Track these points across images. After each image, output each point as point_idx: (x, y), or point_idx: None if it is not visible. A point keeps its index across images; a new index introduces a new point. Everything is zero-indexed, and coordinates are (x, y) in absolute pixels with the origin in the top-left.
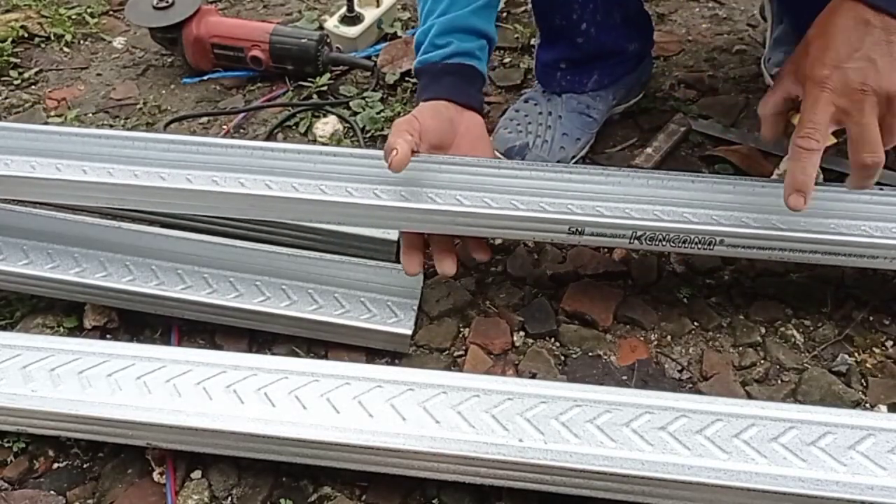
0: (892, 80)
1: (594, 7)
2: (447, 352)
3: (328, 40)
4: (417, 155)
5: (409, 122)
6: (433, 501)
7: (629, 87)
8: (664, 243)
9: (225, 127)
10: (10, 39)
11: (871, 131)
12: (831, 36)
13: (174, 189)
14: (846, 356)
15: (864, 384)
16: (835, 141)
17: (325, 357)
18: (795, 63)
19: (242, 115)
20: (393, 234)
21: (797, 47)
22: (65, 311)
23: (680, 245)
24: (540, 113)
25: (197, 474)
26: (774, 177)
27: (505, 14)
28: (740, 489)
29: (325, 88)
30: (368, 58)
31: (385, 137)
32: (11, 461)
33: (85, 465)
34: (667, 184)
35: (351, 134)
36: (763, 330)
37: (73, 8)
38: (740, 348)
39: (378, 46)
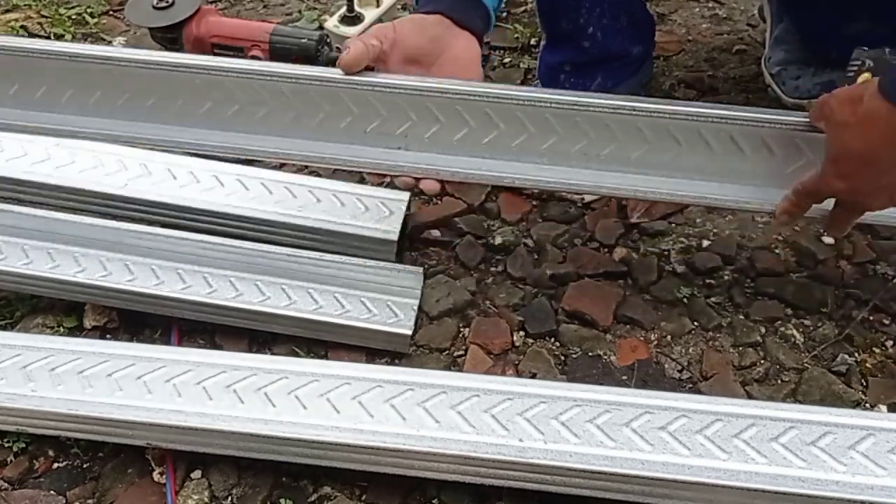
0: None
1: (601, 11)
2: (447, 352)
3: (328, 40)
4: (386, 66)
5: (384, 28)
6: (433, 501)
7: (631, 90)
8: None
9: None
10: None
11: (849, 223)
12: (855, 148)
13: None
14: (846, 356)
15: (864, 384)
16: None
17: (325, 357)
18: (831, 105)
19: None
20: (393, 234)
21: (838, 91)
22: (65, 311)
23: None
24: None
25: (197, 474)
26: None
27: (505, 14)
28: (740, 489)
29: None
30: None
31: None
32: (11, 461)
33: (85, 465)
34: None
35: None
36: (763, 330)
37: (73, 8)
38: (740, 348)
39: None
